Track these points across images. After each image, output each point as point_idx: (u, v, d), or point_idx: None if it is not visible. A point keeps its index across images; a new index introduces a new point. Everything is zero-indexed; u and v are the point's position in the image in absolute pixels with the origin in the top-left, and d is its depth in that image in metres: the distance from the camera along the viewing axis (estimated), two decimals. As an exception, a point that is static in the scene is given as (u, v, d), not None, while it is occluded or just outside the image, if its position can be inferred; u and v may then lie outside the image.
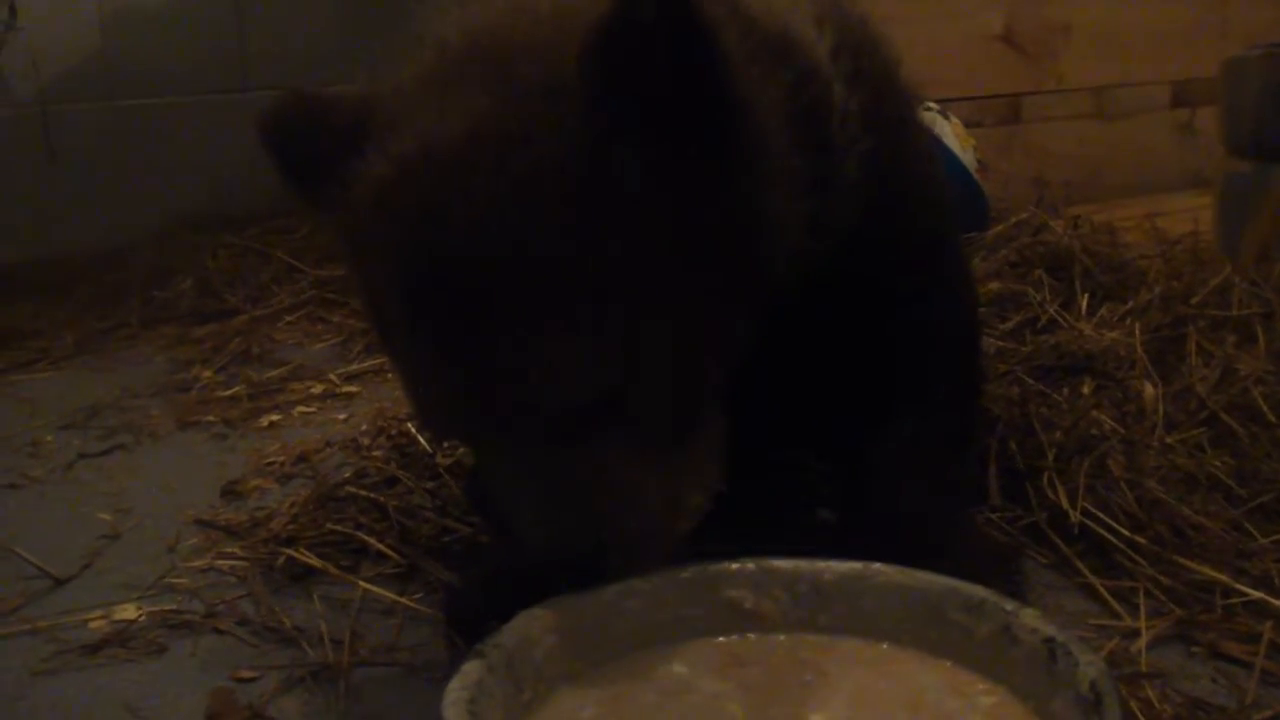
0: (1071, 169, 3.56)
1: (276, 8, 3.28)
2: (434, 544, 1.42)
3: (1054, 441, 1.45)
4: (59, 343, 2.59)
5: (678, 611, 0.98)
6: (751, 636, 0.99)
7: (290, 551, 1.42)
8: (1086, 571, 1.28)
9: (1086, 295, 1.97)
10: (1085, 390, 1.62)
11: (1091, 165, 3.70)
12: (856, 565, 0.99)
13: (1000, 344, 1.80)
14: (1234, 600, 1.20)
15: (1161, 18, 3.84)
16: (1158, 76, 3.93)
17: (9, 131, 2.98)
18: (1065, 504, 1.35)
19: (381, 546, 1.41)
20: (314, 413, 2.06)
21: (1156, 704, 1.04)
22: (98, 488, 1.76)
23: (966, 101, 3.41)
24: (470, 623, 1.06)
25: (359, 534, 1.44)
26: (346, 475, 1.62)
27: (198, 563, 1.45)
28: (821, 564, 0.99)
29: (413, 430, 1.71)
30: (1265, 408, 1.57)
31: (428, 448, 1.64)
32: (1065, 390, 1.63)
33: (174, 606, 1.34)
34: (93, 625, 1.31)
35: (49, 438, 2.00)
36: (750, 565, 1.00)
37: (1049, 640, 0.86)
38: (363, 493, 1.54)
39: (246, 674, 1.19)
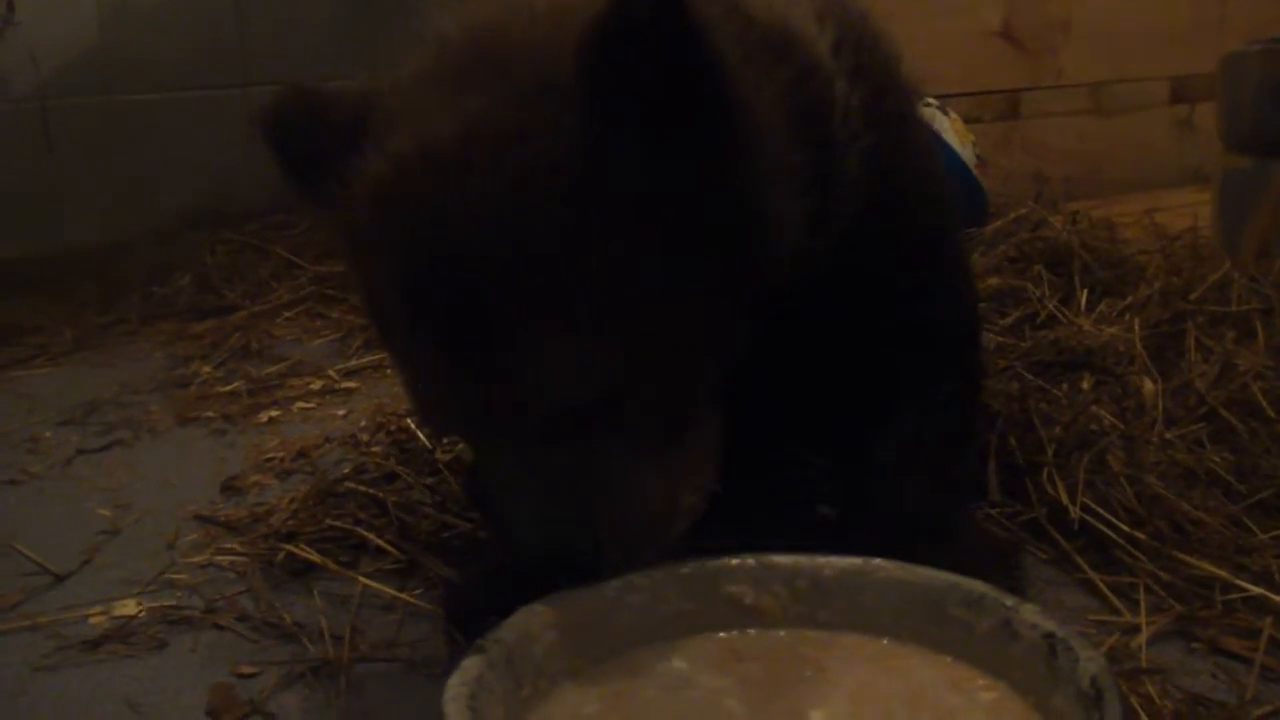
0: (1071, 165, 3.56)
1: (276, 3, 3.27)
2: (434, 540, 1.42)
3: (1053, 437, 1.45)
4: (58, 338, 2.59)
5: (678, 607, 0.98)
6: (751, 632, 0.99)
7: (290, 547, 1.42)
8: (1086, 567, 1.28)
9: (1086, 291, 1.97)
10: (1085, 386, 1.62)
11: (1091, 161, 3.70)
12: (856, 561, 0.99)
13: (999, 340, 1.80)
14: (1234, 596, 1.21)
15: (1161, 13, 3.84)
16: (1157, 72, 3.93)
17: (7, 126, 2.97)
18: (1065, 499, 1.35)
19: (381, 542, 1.41)
20: (313, 409, 2.06)
21: (1156, 699, 1.05)
22: (97, 483, 1.76)
23: (966, 97, 3.41)
24: (470, 618, 1.06)
25: (358, 530, 1.44)
26: (346, 471, 1.62)
27: (197, 558, 1.45)
28: (821, 560, 0.99)
29: (412, 426, 1.71)
30: (1264, 403, 1.57)
31: (427, 444, 1.64)
32: (1065, 386, 1.63)
33: (174, 602, 1.34)
34: (93, 621, 1.31)
35: (48, 433, 2.00)
36: (750, 561, 1.00)
37: (1049, 636, 0.86)
38: (362, 488, 1.54)
39: (246, 669, 1.19)
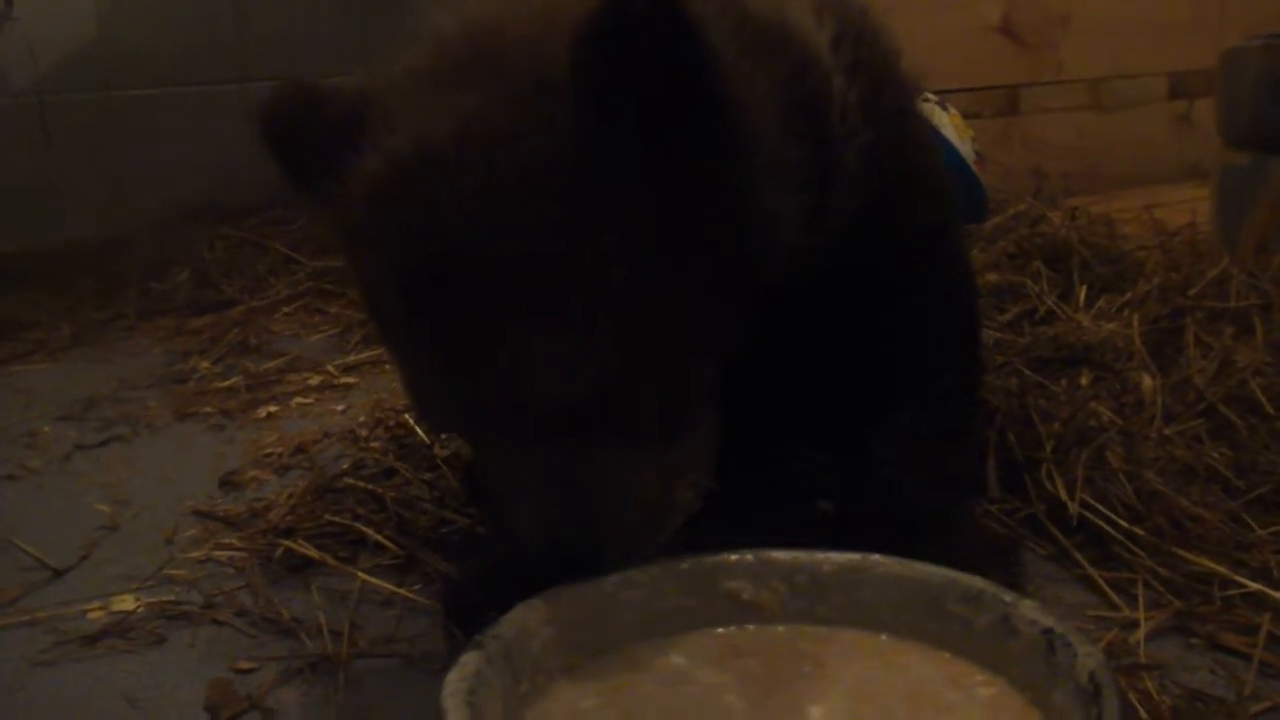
0: (1069, 160, 3.57)
1: (274, -2, 3.28)
2: (432, 535, 1.42)
3: (1052, 433, 1.46)
4: (56, 334, 2.59)
5: (676, 603, 0.98)
6: (750, 628, 0.99)
7: (288, 543, 1.42)
8: (1085, 563, 1.28)
9: (1084, 287, 1.97)
10: (1083, 382, 1.62)
11: (1090, 157, 3.70)
12: (855, 556, 0.99)
13: (998, 335, 1.80)
14: (1232, 592, 1.21)
15: (1160, 9, 3.84)
16: (1156, 68, 3.93)
17: (6, 121, 2.97)
18: (1064, 495, 1.35)
19: (380, 538, 1.41)
20: (312, 404, 2.06)
21: (1155, 695, 1.05)
22: (95, 479, 1.76)
23: (965, 93, 3.41)
24: (468, 614, 1.06)
25: (357, 525, 1.44)
26: (344, 466, 1.62)
27: (196, 554, 1.45)
28: (820, 555, 0.99)
29: (410, 421, 1.71)
30: (1263, 399, 1.57)
31: (425, 439, 1.64)
32: (1063, 382, 1.63)
33: (172, 597, 1.34)
34: (91, 616, 1.31)
35: (46, 429, 2.00)
36: (749, 556, 1.00)
37: (1048, 631, 0.86)
38: (361, 484, 1.54)
39: (245, 665, 1.19)
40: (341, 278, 2.63)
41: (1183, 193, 3.25)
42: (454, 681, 0.84)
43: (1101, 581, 1.25)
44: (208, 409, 2.05)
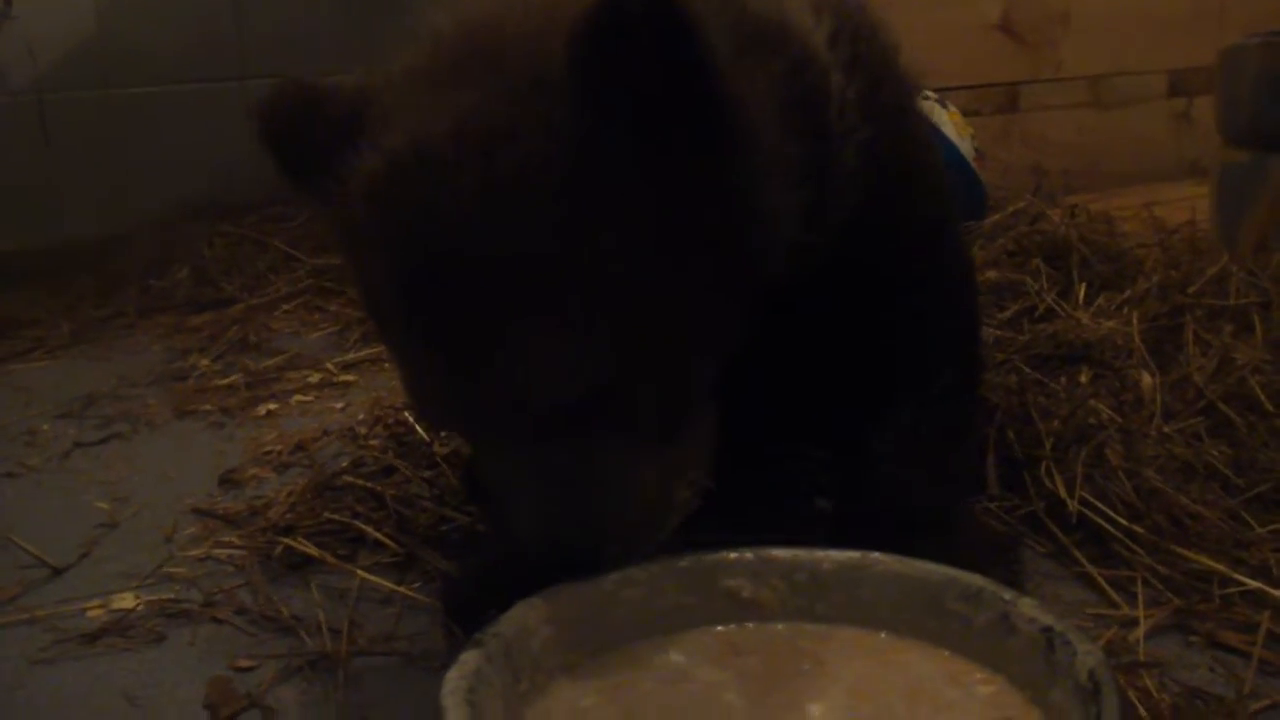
0: (1069, 158, 3.56)
1: (273, -5, 3.28)
2: (432, 533, 1.42)
3: (1052, 431, 1.46)
4: (55, 331, 2.59)
5: (676, 601, 0.98)
6: (750, 626, 0.99)
7: (288, 540, 1.42)
8: (1084, 561, 1.28)
9: (1084, 284, 1.97)
10: (1083, 379, 1.62)
11: (1089, 154, 3.70)
12: (855, 554, 0.99)
13: (998, 333, 1.80)
14: (1232, 590, 1.21)
15: (1159, 6, 3.83)
16: (1155, 65, 3.93)
17: (4, 119, 2.97)
18: (1063, 493, 1.35)
19: (379, 535, 1.41)
20: (311, 402, 2.06)
21: (1154, 693, 1.05)
22: (95, 477, 1.76)
23: (964, 90, 3.41)
24: (468, 612, 1.06)
25: (356, 523, 1.44)
26: (344, 464, 1.62)
27: (195, 552, 1.45)
28: (820, 553, 0.99)
29: (410, 419, 1.71)
30: (1263, 397, 1.57)
31: (425, 437, 1.64)
32: (1063, 379, 1.63)
33: (172, 595, 1.34)
34: (91, 614, 1.31)
35: (45, 427, 2.00)
36: (748, 554, 1.00)
37: (1047, 629, 0.86)
38: (360, 482, 1.54)
39: (244, 663, 1.20)
40: (341, 275, 2.63)
41: (1182, 190, 3.25)
42: (454, 680, 0.84)
43: (1101, 579, 1.25)
44: (207, 407, 2.05)
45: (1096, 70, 3.82)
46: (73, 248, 2.95)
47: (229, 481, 1.68)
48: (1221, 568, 1.23)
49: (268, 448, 1.80)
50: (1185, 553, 1.26)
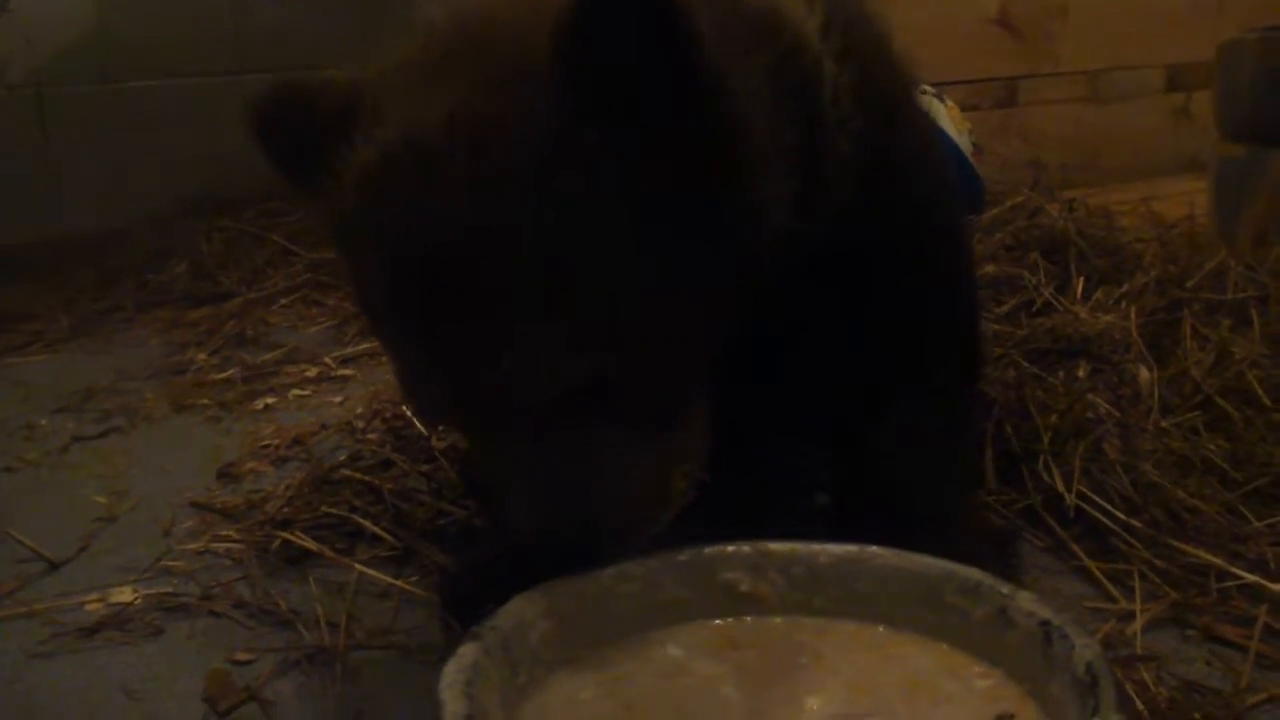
0: (1067, 152, 3.57)
1: (271, -10, 3.27)
2: (429, 527, 1.42)
3: (1049, 425, 1.46)
4: (54, 326, 2.59)
5: (673, 594, 0.98)
6: (747, 619, 0.99)
7: (286, 534, 1.42)
8: (1082, 555, 1.28)
9: (1082, 279, 1.97)
10: (1081, 374, 1.62)
11: (1087, 149, 3.70)
12: (852, 548, 0.99)
13: (996, 327, 1.80)
14: (1229, 583, 1.21)
15: (1157, 1, 3.84)
16: (1153, 60, 3.94)
17: (3, 113, 2.96)
18: (1061, 487, 1.36)
19: (377, 529, 1.41)
20: (309, 396, 2.06)
21: (1151, 686, 1.05)
22: (93, 471, 1.76)
23: (962, 85, 3.41)
24: (466, 606, 1.06)
25: (354, 517, 1.44)
26: (342, 458, 1.62)
27: (193, 545, 1.45)
28: (818, 547, 0.99)
29: (408, 413, 1.70)
30: (1260, 391, 1.57)
31: (423, 431, 1.64)
32: (1061, 374, 1.63)
33: (170, 589, 1.34)
34: (89, 608, 1.31)
35: (44, 421, 2.00)
36: (746, 548, 1.00)
37: (1045, 623, 0.86)
38: (358, 476, 1.54)
39: (243, 656, 1.20)
40: (337, 270, 2.63)
41: (1180, 185, 3.25)
42: (452, 673, 0.84)
43: (1098, 573, 1.25)
44: (205, 401, 2.04)
45: (1095, 65, 3.83)
46: (71, 241, 2.95)
47: (227, 475, 1.68)
48: (1219, 561, 1.23)
49: (265, 442, 1.80)
50: (1182, 547, 1.26)
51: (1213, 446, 1.45)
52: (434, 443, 1.60)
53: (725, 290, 1.01)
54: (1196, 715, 1.02)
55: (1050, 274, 2.00)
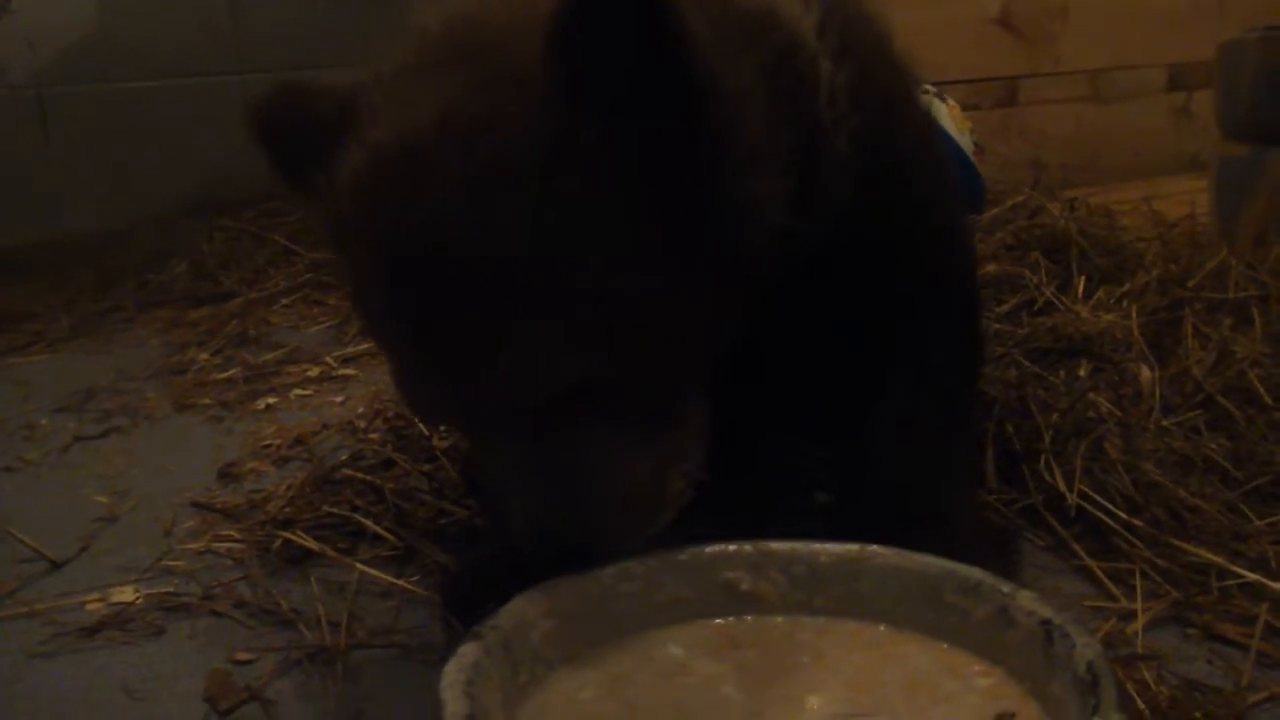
0: (1068, 152, 3.57)
1: (272, -10, 3.28)
2: (431, 526, 1.42)
3: (1051, 424, 1.46)
4: (54, 325, 2.59)
5: (674, 593, 0.98)
6: (748, 618, 0.99)
7: (287, 534, 1.42)
8: (1083, 554, 1.28)
9: (1083, 278, 1.97)
10: (1082, 373, 1.62)
11: (1088, 148, 3.70)
12: (853, 547, 0.99)
13: (997, 326, 1.79)
14: (1230, 582, 1.21)
15: (1158, 1, 3.83)
16: (1154, 60, 3.93)
17: (4, 114, 2.97)
18: (1062, 486, 1.36)
19: (378, 529, 1.41)
20: (310, 395, 2.06)
21: (1152, 685, 1.05)
22: (94, 470, 1.76)
23: (963, 84, 3.41)
24: (467, 605, 1.07)
25: (356, 516, 1.44)
26: (343, 458, 1.62)
27: (195, 545, 1.45)
28: (818, 546, 0.99)
29: (409, 413, 1.70)
30: (1261, 390, 1.57)
31: (424, 430, 1.64)
32: (1062, 373, 1.63)
33: (171, 589, 1.34)
34: (90, 608, 1.31)
35: (44, 421, 2.00)
36: (747, 547, 1.00)
37: (1046, 622, 0.86)
38: (359, 475, 1.54)
39: (244, 656, 1.20)
40: (336, 271, 2.63)
41: (1181, 184, 3.25)
42: (452, 672, 0.84)
43: (1099, 572, 1.25)
44: (206, 401, 2.05)
45: (1096, 64, 3.82)
46: (72, 242, 2.95)
47: (228, 475, 1.68)
48: (1220, 560, 1.23)
49: (267, 441, 1.80)
50: (1184, 545, 1.26)
51: (1214, 445, 1.45)
52: (435, 442, 1.60)
53: (723, 290, 1.01)
54: (1197, 714, 1.02)
55: (1051, 273, 1.99)
